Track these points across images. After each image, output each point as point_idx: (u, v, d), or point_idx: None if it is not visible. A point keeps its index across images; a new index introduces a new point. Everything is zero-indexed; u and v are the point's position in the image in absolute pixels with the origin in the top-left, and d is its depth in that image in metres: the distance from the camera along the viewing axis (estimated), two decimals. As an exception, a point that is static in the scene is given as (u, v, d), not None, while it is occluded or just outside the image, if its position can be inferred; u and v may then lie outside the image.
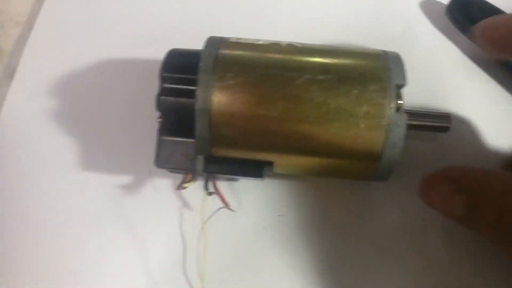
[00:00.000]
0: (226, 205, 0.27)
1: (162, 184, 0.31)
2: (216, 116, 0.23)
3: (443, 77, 0.34)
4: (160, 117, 0.25)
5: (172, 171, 0.28)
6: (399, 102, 0.24)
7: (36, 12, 0.37)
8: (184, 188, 0.27)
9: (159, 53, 0.26)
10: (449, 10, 0.35)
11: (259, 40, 0.26)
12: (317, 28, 0.36)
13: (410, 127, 0.25)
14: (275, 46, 0.25)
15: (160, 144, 0.25)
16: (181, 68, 0.25)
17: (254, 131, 0.24)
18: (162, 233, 0.30)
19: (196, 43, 0.26)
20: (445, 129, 0.28)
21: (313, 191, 0.30)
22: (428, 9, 0.37)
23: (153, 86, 0.25)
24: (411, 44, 0.35)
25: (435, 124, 0.28)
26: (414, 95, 0.32)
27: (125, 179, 0.31)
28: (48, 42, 0.36)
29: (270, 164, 0.25)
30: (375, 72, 0.24)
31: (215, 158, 0.25)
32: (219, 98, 0.23)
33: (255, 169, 0.25)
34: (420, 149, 0.31)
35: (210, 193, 0.27)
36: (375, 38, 0.35)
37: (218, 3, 0.37)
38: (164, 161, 0.25)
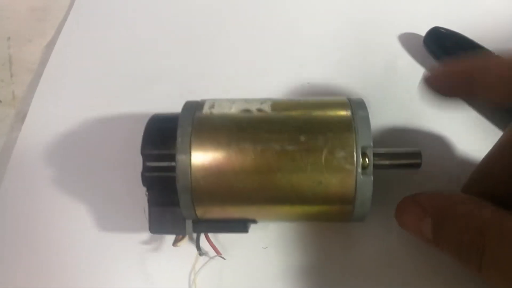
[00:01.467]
0: (219, 254, 0.30)
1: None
2: (197, 188, 0.25)
3: (423, 107, 0.35)
4: (147, 191, 0.27)
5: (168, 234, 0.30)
6: (366, 161, 0.25)
7: (45, 59, 0.41)
8: (178, 245, 0.29)
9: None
10: (425, 43, 0.38)
11: (233, 102, 0.28)
12: (299, 63, 0.39)
13: (382, 167, 0.27)
14: (246, 114, 0.27)
15: (150, 214, 0.28)
16: (160, 143, 0.26)
17: (233, 198, 0.26)
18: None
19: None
20: (416, 166, 0.28)
21: (297, 226, 0.32)
22: (407, 42, 0.39)
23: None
24: (393, 77, 0.37)
25: (406, 163, 0.28)
26: (394, 125, 0.35)
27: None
28: (56, 87, 0.39)
29: (252, 221, 0.28)
30: (342, 137, 0.25)
31: (202, 220, 0.28)
32: (198, 173, 0.25)
33: (239, 225, 0.28)
34: (395, 182, 0.32)
35: (201, 254, 0.30)
36: (357, 72, 0.38)
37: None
38: (157, 228, 0.28)
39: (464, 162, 0.33)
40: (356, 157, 0.25)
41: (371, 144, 0.25)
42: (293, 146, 0.25)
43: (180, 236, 0.29)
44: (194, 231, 0.28)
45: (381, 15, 0.40)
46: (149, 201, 0.28)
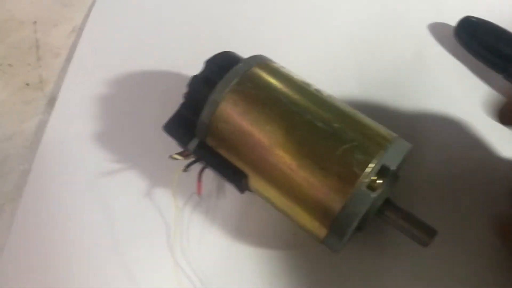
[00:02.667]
0: (198, 192, 0.30)
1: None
2: (221, 111, 0.26)
3: (453, 96, 0.35)
4: (186, 93, 0.29)
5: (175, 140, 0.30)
6: (377, 181, 0.23)
7: (73, 44, 0.40)
8: (175, 158, 0.29)
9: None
10: (456, 33, 0.38)
11: (294, 75, 0.28)
12: (327, 52, 0.38)
13: (389, 219, 0.26)
14: (301, 84, 0.28)
15: (175, 114, 0.29)
16: (221, 65, 0.28)
17: (242, 139, 0.26)
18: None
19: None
20: (423, 243, 0.25)
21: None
22: (437, 32, 0.39)
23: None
24: (422, 66, 0.37)
25: (416, 234, 0.25)
26: (423, 114, 0.34)
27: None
28: (86, 71, 0.39)
29: (245, 176, 0.27)
30: (369, 145, 0.24)
31: (207, 147, 0.28)
32: (231, 99, 0.26)
33: (236, 179, 0.27)
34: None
35: (185, 170, 0.29)
36: (387, 62, 0.37)
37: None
38: (171, 128, 0.29)
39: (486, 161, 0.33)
40: (371, 169, 0.23)
41: (392, 169, 0.24)
42: (323, 124, 0.25)
43: (185, 153, 0.29)
44: (195, 151, 0.28)
45: (411, 5, 0.40)
46: (182, 103, 0.29)
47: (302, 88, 0.27)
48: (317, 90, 0.27)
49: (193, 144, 0.28)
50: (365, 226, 0.26)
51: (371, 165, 0.23)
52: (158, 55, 0.39)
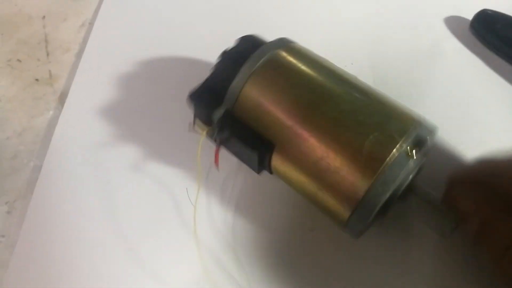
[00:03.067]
0: (216, 162, 0.28)
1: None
2: (253, 80, 0.26)
3: (470, 90, 0.35)
4: (216, 65, 0.28)
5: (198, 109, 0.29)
6: (413, 150, 0.23)
7: (83, 38, 0.40)
8: (195, 131, 0.28)
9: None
10: (473, 26, 0.37)
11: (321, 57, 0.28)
12: (343, 43, 0.38)
13: (417, 203, 0.25)
14: (330, 63, 0.28)
15: (202, 84, 0.28)
16: (253, 42, 0.28)
17: (272, 110, 0.25)
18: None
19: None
20: (445, 234, 0.25)
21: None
22: (453, 25, 0.38)
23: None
24: (438, 59, 0.37)
25: (440, 222, 0.25)
26: (440, 109, 0.34)
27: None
28: (96, 66, 0.38)
29: (272, 147, 0.26)
30: (407, 117, 0.24)
31: (233, 118, 0.27)
32: (263, 70, 0.26)
33: (261, 149, 0.26)
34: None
35: (208, 132, 0.28)
36: (402, 54, 0.37)
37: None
38: (195, 96, 0.28)
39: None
40: (407, 137, 0.23)
41: (427, 140, 0.23)
42: (360, 95, 0.25)
43: (205, 130, 0.28)
44: (219, 121, 0.27)
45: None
46: (212, 72, 0.28)
47: (332, 65, 0.27)
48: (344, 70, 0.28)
49: (219, 112, 0.27)
50: (387, 210, 0.25)
51: (408, 134, 0.23)
52: (172, 47, 0.39)
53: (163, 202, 0.32)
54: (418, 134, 0.23)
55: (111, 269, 0.31)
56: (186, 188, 0.32)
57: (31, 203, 0.32)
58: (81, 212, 0.32)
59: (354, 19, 0.39)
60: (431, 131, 0.24)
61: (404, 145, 0.23)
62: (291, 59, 0.27)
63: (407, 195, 0.25)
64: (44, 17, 0.42)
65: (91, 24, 0.41)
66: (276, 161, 0.26)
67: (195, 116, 0.29)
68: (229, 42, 0.29)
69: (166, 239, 0.31)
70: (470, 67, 0.36)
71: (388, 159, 0.22)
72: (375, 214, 0.23)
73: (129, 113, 0.36)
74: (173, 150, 0.34)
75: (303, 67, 0.26)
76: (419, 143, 0.23)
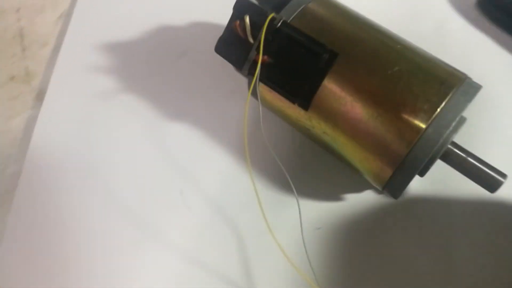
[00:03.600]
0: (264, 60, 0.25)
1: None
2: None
3: (481, 71, 0.33)
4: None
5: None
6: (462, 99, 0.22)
7: (61, 32, 0.37)
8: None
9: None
10: (479, 3, 0.35)
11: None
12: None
13: (460, 162, 0.25)
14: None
15: (225, 30, 0.26)
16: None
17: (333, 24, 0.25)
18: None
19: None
20: (493, 187, 0.24)
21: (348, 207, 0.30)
22: (457, 3, 0.36)
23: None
24: (444, 40, 0.34)
25: (486, 176, 0.24)
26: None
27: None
28: (75, 60, 0.35)
29: (335, 56, 0.23)
30: (452, 73, 0.24)
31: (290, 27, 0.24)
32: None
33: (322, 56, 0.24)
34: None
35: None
36: (406, 35, 0.34)
37: None
38: (221, 48, 0.26)
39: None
40: (454, 92, 0.22)
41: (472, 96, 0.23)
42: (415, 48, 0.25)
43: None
44: (250, 72, 0.25)
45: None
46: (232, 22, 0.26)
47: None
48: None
49: (246, 66, 0.25)
50: (427, 170, 0.25)
51: (453, 93, 0.22)
52: (153, 38, 0.36)
53: (154, 206, 0.30)
54: (464, 91, 0.23)
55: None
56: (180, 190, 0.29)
57: (10, 214, 0.30)
58: (65, 224, 0.30)
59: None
60: (475, 89, 0.23)
61: (453, 98, 0.22)
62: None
63: (451, 151, 0.24)
64: (18, 9, 0.39)
65: (69, 16, 0.38)
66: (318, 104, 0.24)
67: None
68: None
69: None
70: (479, 47, 0.34)
71: (436, 113, 0.22)
72: (422, 168, 0.23)
73: (112, 109, 0.33)
74: (159, 146, 0.32)
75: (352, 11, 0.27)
76: (463, 101, 0.22)
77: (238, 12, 0.26)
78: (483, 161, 0.25)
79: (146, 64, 0.35)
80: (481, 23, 0.35)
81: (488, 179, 0.24)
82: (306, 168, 0.31)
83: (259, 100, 0.25)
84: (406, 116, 0.22)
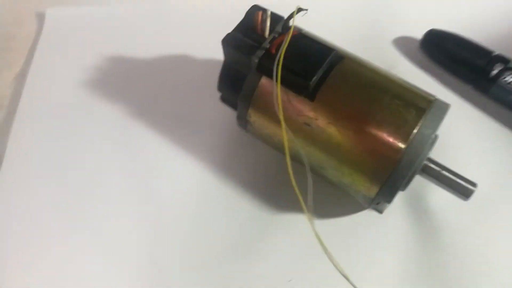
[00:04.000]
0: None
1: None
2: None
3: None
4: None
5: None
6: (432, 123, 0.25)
7: (17, 93, 0.37)
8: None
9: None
10: (423, 46, 0.37)
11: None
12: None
13: (433, 172, 0.27)
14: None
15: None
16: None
17: None
18: None
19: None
20: (466, 194, 0.27)
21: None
22: (403, 46, 0.38)
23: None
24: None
25: (459, 185, 0.27)
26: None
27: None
28: (32, 124, 0.35)
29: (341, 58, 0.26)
30: (421, 99, 0.26)
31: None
32: None
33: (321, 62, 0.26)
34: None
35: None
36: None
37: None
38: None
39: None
40: (427, 116, 0.24)
41: (443, 116, 0.25)
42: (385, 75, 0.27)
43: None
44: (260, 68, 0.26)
45: (376, 22, 0.39)
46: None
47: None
48: None
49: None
50: (408, 184, 0.27)
51: (426, 113, 0.24)
52: (113, 96, 0.36)
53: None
54: (435, 111, 0.25)
55: None
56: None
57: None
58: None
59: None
60: (445, 109, 0.26)
61: (422, 131, 0.24)
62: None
63: (427, 166, 0.27)
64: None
65: (25, 75, 0.37)
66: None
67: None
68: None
69: None
70: (422, 87, 0.35)
71: (412, 136, 0.24)
72: (404, 183, 0.25)
73: (71, 176, 0.33)
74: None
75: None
76: (436, 119, 0.25)
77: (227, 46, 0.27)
78: (456, 173, 0.27)
79: (104, 124, 0.35)
80: (425, 64, 0.37)
81: (462, 188, 0.27)
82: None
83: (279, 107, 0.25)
84: (387, 138, 0.24)
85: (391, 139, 0.24)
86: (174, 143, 0.34)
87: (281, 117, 0.24)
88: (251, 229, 0.31)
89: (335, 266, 0.22)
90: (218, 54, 0.28)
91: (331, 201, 0.31)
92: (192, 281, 0.30)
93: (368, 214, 0.31)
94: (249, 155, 0.33)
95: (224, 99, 0.30)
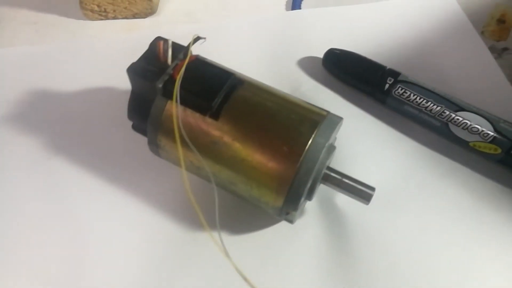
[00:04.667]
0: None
1: None
2: None
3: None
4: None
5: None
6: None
7: None
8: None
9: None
10: (324, 64, 0.40)
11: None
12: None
13: (333, 180, 0.29)
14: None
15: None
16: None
17: None
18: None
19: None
20: (366, 198, 0.29)
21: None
22: (307, 65, 0.41)
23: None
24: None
25: (360, 191, 0.29)
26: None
27: None
28: None
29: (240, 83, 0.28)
30: (312, 116, 0.28)
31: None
32: None
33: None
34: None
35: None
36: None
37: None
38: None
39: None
40: (318, 129, 0.26)
41: (335, 128, 0.27)
42: (271, 103, 0.28)
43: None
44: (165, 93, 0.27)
45: (282, 45, 0.42)
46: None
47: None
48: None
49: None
50: (313, 194, 0.29)
51: (319, 125, 0.27)
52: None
53: None
54: (328, 123, 0.27)
55: None
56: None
57: None
58: None
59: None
60: (337, 122, 0.28)
61: (316, 140, 0.26)
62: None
63: (329, 175, 0.29)
64: None
65: None
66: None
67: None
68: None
69: None
70: (327, 102, 0.37)
71: (307, 146, 0.26)
72: (305, 196, 0.27)
73: None
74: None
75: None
76: (329, 130, 0.27)
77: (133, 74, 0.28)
78: (355, 180, 0.30)
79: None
80: (329, 81, 0.40)
81: (362, 194, 0.29)
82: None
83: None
84: (285, 149, 0.26)
85: (288, 150, 0.26)
86: (93, 172, 0.34)
87: (177, 134, 0.26)
88: (168, 253, 0.31)
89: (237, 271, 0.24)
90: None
91: (244, 218, 0.32)
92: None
93: (282, 226, 0.32)
94: (165, 178, 0.34)
95: (135, 127, 0.31)
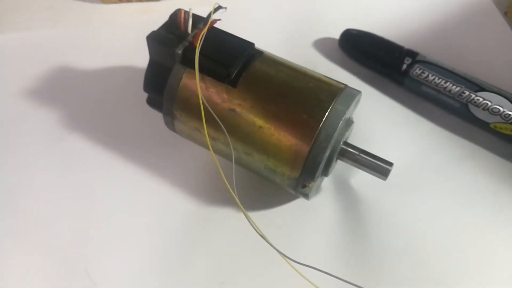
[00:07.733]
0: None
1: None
2: None
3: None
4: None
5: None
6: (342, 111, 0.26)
7: None
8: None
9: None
10: (340, 45, 0.39)
11: None
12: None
13: (350, 155, 0.29)
14: None
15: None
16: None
17: None
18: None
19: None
20: (384, 173, 0.29)
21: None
22: (323, 46, 0.40)
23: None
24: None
25: (377, 166, 0.29)
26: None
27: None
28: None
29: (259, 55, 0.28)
30: (331, 86, 0.27)
31: None
32: None
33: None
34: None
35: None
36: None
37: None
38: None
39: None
40: (338, 98, 0.26)
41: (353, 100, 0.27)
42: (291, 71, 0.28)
43: None
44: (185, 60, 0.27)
45: (297, 26, 0.41)
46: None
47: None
48: None
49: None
50: (330, 168, 0.28)
51: (339, 95, 0.26)
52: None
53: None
54: (347, 93, 0.26)
55: None
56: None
57: None
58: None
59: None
60: (355, 94, 0.27)
61: (336, 107, 0.25)
62: None
63: (345, 150, 0.29)
64: None
65: None
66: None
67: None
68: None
69: None
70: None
71: (327, 112, 0.25)
72: (322, 167, 0.26)
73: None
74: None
75: None
76: (349, 100, 0.26)
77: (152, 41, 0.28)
78: (373, 155, 0.29)
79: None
80: (345, 62, 0.39)
81: (379, 169, 0.29)
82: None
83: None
84: (305, 115, 0.25)
85: (308, 116, 0.25)
86: (108, 151, 0.34)
87: (201, 100, 0.25)
88: (184, 230, 0.31)
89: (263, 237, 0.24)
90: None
91: (259, 197, 0.32)
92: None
93: (297, 205, 0.32)
94: (180, 156, 0.34)
95: (150, 101, 0.31)
